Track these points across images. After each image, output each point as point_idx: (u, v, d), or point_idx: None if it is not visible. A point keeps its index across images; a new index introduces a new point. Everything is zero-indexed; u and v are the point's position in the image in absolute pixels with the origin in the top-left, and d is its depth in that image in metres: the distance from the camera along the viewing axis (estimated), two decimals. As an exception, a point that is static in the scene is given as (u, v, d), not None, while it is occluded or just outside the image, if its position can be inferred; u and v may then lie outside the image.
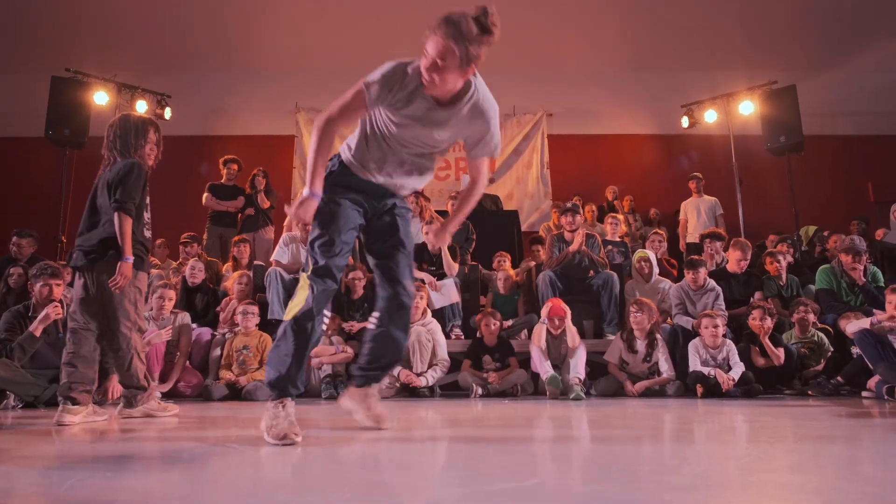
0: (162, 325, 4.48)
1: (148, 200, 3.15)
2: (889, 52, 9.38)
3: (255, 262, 5.94)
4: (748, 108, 8.39)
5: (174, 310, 4.73)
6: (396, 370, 4.41)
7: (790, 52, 9.18)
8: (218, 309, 5.32)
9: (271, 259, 5.56)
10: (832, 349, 4.57)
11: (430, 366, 4.61)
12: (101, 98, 7.86)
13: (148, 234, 3.15)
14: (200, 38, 9.11)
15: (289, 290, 5.23)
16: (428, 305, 4.97)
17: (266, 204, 7.04)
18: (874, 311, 4.67)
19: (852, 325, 4.24)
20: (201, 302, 5.44)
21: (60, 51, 8.30)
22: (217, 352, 4.81)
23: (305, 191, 2.06)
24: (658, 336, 4.61)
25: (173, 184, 8.37)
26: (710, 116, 8.84)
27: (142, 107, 8.23)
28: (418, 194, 7.38)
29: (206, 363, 4.86)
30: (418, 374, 4.54)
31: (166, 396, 4.14)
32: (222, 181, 7.11)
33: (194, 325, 4.94)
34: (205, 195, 6.96)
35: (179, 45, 9.21)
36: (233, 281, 5.34)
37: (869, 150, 9.66)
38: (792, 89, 7.90)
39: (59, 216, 7.25)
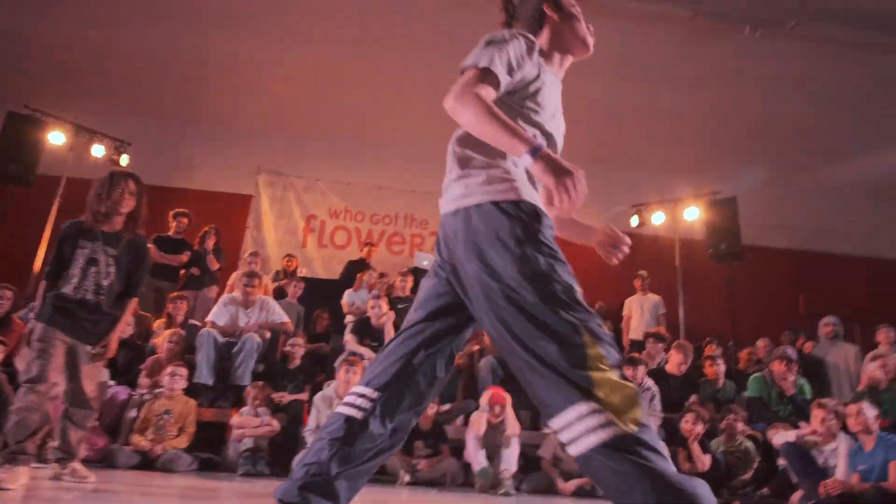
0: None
1: (80, 255, 3.04)
2: (822, 174, 10.15)
3: (190, 321, 5.72)
4: (693, 213, 8.82)
5: (92, 365, 4.46)
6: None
7: (733, 165, 9.81)
8: (142, 367, 5.04)
9: (207, 319, 5.36)
10: (759, 458, 4.61)
11: (358, 447, 4.41)
12: (56, 138, 7.71)
13: (68, 289, 2.98)
14: (169, 89, 9.17)
15: (221, 353, 5.04)
16: (363, 382, 4.83)
17: (215, 265, 6.88)
18: (801, 423, 4.78)
19: (779, 437, 4.31)
20: (124, 358, 5.15)
21: (22, 87, 8.21)
22: (133, 413, 4.52)
23: (528, 159, 1.37)
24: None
25: (118, 232, 8.15)
26: (658, 218, 9.23)
27: (98, 151, 8.10)
28: (369, 265, 7.38)
29: (116, 425, 4.53)
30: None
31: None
32: (169, 234, 6.94)
33: (112, 382, 4.66)
34: (148, 246, 6.74)
35: (146, 94, 9.23)
36: (163, 339, 5.11)
37: (802, 264, 10.21)
38: (732, 200, 8.38)
39: None
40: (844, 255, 10.45)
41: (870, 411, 3.85)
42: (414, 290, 6.65)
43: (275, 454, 4.50)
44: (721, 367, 5.52)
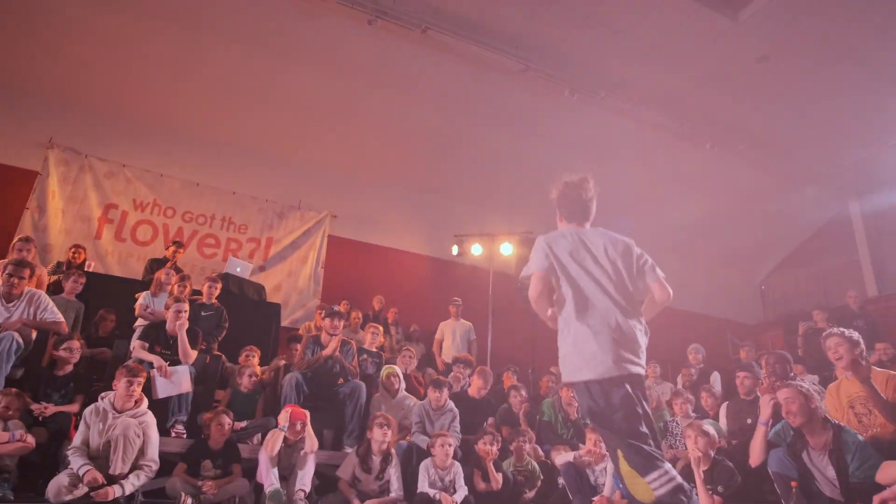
0: None
1: None
2: (616, 225, 11.55)
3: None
4: (507, 249, 9.47)
5: None
6: (81, 469, 3.63)
7: (543, 209, 10.76)
8: None
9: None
10: (542, 477, 4.98)
11: (133, 468, 3.89)
12: None
13: None
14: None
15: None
16: (148, 394, 4.32)
17: None
18: (580, 445, 5.27)
19: (560, 458, 4.70)
20: None
21: None
22: None
23: None
24: (393, 453, 4.57)
25: None
26: (477, 250, 9.74)
27: None
28: (179, 270, 6.72)
29: None
30: (116, 477, 3.79)
31: None
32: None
33: None
34: None
35: None
36: None
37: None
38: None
39: None
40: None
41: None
42: (220, 297, 6.16)
43: (25, 475, 3.81)
44: (523, 395, 5.88)
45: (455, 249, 9.78)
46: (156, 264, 7.07)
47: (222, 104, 8.99)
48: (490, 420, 5.62)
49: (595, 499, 4.19)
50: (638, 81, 8.59)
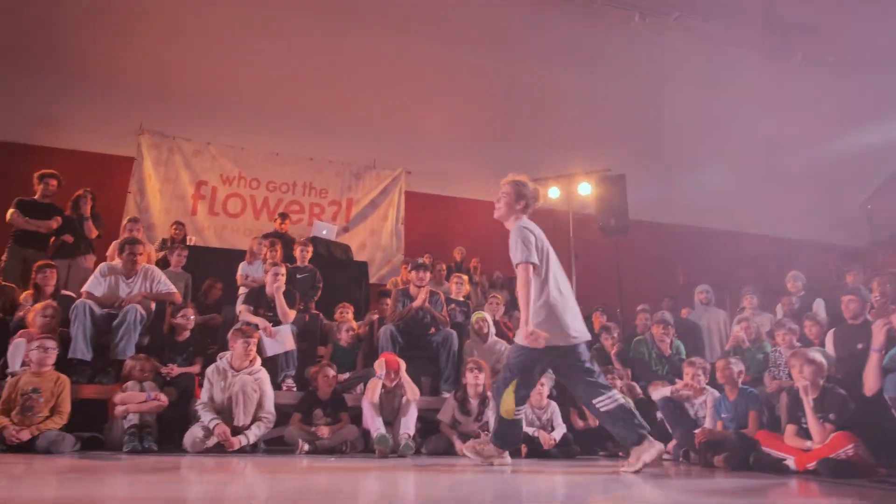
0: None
1: None
2: (697, 157, 11.01)
3: (63, 292, 5.22)
4: (586, 189, 9.24)
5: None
6: (212, 423, 4.01)
7: (622, 144, 10.38)
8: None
9: (83, 290, 4.91)
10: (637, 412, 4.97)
11: (254, 420, 4.26)
12: None
13: None
14: (32, 33, 8.15)
15: (98, 326, 4.65)
16: (259, 352, 4.66)
17: (94, 233, 6.30)
18: (676, 380, 5.21)
19: (657, 393, 4.68)
20: (-15, 333, 4.62)
21: None
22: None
23: None
24: (490, 395, 4.71)
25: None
26: (554, 193, 9.59)
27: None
28: (284, 237, 7.05)
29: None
30: (240, 428, 4.16)
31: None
32: (35, 197, 6.26)
33: (-31, 360, 4.16)
34: (10, 211, 6.07)
35: (3, 38, 8.16)
36: (34, 313, 4.60)
37: (679, 238, 11.07)
38: (622, 178, 8.87)
39: None
40: (715, 230, 11.45)
41: (735, 366, 4.26)
42: (311, 260, 6.46)
43: (163, 430, 4.26)
44: (615, 337, 5.81)
45: (532, 194, 9.65)
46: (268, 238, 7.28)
47: (291, 74, 9.19)
48: (582, 360, 5.63)
49: (696, 431, 4.16)
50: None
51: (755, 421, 4.02)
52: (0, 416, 3.87)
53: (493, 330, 5.76)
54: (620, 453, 4.57)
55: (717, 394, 4.39)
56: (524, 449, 4.38)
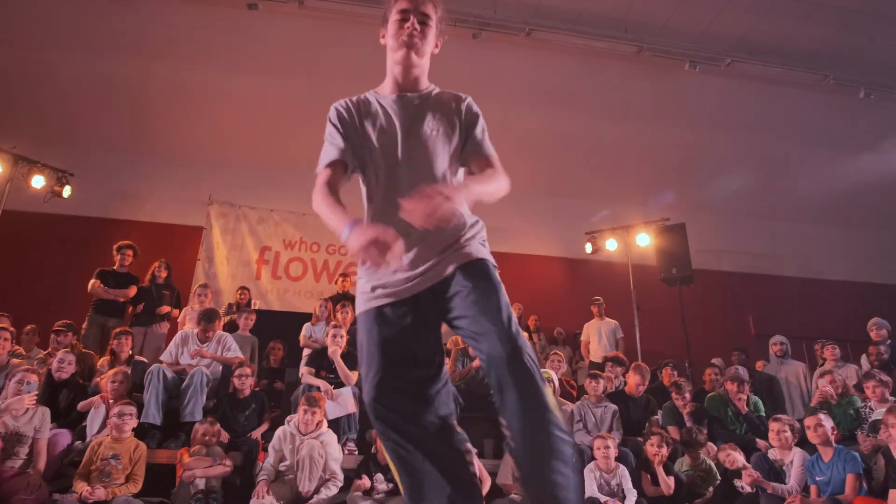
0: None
1: None
2: (764, 201, 10.67)
3: (137, 358, 5.45)
4: (644, 240, 9.05)
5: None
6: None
7: (680, 193, 10.19)
8: (80, 406, 4.72)
9: (160, 359, 5.13)
10: (720, 478, 4.66)
11: (321, 482, 4.23)
12: (-7, 169, 7.37)
13: None
14: (114, 117, 8.91)
15: (170, 390, 4.80)
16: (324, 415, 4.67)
17: (165, 311, 6.61)
18: (756, 439, 4.88)
19: (734, 458, 4.36)
20: (66, 399, 4.83)
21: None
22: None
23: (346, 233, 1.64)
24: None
25: (61, 266, 7.80)
26: (611, 245, 9.43)
27: (38, 182, 7.75)
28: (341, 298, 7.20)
29: (57, 472, 4.22)
30: (304, 496, 4.13)
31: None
32: (114, 268, 6.65)
33: (53, 425, 4.35)
34: (92, 281, 6.45)
35: (89, 123, 8.93)
36: (106, 379, 4.82)
37: (749, 286, 10.60)
38: (682, 226, 8.65)
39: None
40: (788, 277, 10.92)
41: (828, 423, 3.96)
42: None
43: (228, 495, 4.28)
44: (687, 398, 5.47)
45: (588, 247, 9.54)
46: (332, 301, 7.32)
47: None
48: (653, 418, 5.37)
49: (788, 498, 3.84)
50: (766, 38, 7.86)
51: (854, 485, 3.69)
52: (79, 480, 4.00)
53: (558, 390, 5.59)
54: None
55: (806, 455, 4.06)
56: (595, 517, 4.15)
